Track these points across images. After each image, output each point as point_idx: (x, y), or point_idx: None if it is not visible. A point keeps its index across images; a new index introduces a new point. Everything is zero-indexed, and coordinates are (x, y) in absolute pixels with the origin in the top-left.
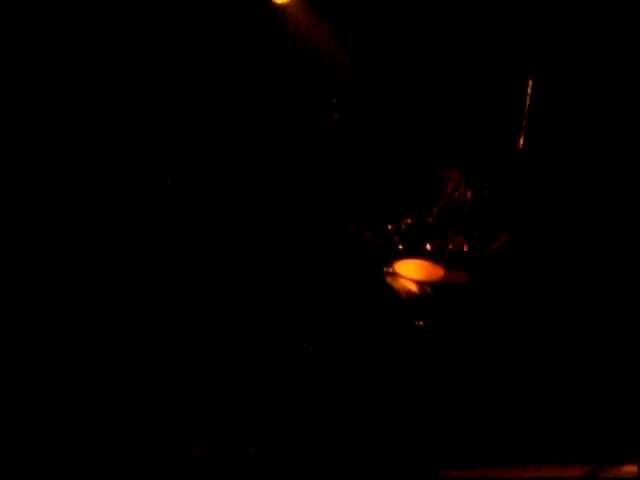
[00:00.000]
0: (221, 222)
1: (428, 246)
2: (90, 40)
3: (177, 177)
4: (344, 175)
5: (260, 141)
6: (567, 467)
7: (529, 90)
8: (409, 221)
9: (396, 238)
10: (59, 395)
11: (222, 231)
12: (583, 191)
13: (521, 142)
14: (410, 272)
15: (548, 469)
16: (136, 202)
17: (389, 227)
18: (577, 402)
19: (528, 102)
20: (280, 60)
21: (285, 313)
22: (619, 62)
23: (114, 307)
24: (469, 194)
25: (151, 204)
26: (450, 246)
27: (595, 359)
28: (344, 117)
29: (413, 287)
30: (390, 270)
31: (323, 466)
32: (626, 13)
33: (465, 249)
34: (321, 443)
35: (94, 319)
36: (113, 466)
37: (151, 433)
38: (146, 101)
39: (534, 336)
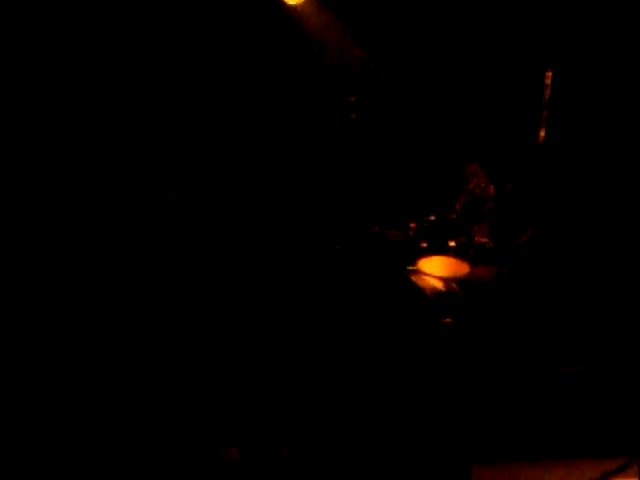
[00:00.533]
0: (243, 222)
1: (452, 243)
2: (95, 46)
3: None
4: (366, 174)
5: (280, 142)
6: (600, 461)
7: (548, 81)
8: (432, 218)
9: (419, 236)
10: (74, 397)
11: (244, 231)
12: (604, 183)
13: (542, 134)
14: (435, 269)
15: (581, 463)
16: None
17: (412, 225)
18: (606, 396)
19: (548, 94)
20: (298, 61)
21: (312, 314)
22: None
23: (122, 312)
24: (492, 189)
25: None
26: (474, 242)
27: (621, 352)
28: (363, 116)
29: (439, 284)
30: (415, 268)
31: (352, 464)
32: None
33: (489, 244)
34: (349, 441)
35: (100, 323)
36: (142, 473)
37: (182, 438)
38: (151, 104)
39: (559, 330)
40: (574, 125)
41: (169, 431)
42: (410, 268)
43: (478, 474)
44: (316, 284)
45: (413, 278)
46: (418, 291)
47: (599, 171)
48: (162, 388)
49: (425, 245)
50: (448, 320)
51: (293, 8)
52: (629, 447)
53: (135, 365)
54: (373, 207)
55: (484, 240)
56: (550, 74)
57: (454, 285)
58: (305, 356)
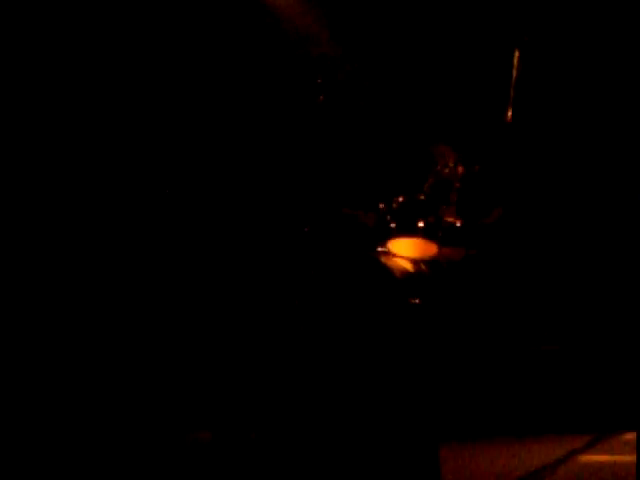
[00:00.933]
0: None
1: (421, 223)
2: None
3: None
4: (334, 156)
5: (248, 126)
6: (568, 438)
7: (516, 61)
8: (401, 199)
9: (389, 217)
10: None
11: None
12: (573, 162)
13: (509, 114)
14: (404, 250)
15: (549, 440)
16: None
17: (381, 206)
18: (573, 374)
19: (515, 74)
20: (266, 44)
21: (280, 296)
22: (606, 34)
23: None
24: (460, 169)
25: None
26: (443, 223)
27: (589, 332)
28: (331, 98)
29: (407, 265)
30: (384, 249)
31: (318, 446)
32: None
33: (458, 225)
34: (316, 423)
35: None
36: (114, 456)
37: (152, 421)
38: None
39: (527, 309)
40: (542, 104)
41: (141, 415)
42: (379, 249)
43: (444, 453)
44: (285, 266)
45: (382, 259)
46: (387, 272)
47: (568, 150)
48: (133, 373)
49: (394, 226)
50: (416, 301)
51: None
52: (596, 424)
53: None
54: (342, 188)
55: (452, 221)
56: (517, 54)
57: (423, 266)
58: (275, 338)
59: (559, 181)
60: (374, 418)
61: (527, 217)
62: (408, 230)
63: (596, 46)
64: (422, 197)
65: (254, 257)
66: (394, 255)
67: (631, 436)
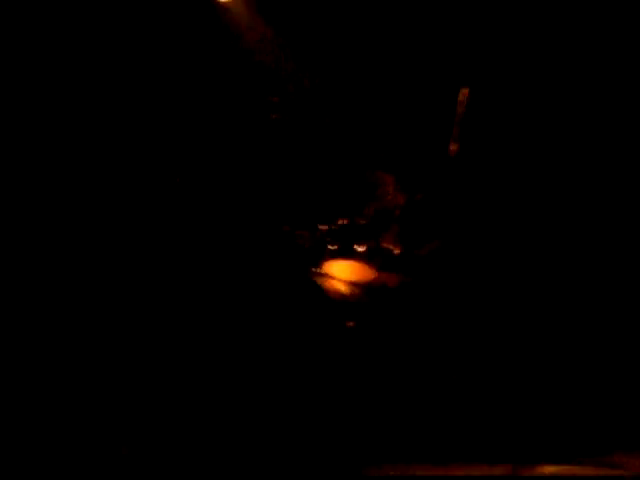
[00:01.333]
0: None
1: (360, 248)
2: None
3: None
4: (279, 174)
5: (197, 139)
6: (492, 466)
7: (462, 98)
8: (341, 222)
9: (328, 239)
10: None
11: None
12: (515, 196)
13: (453, 148)
14: (341, 273)
15: (473, 468)
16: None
17: (321, 227)
18: (501, 401)
19: (461, 110)
20: (220, 59)
21: (213, 312)
22: (549, 69)
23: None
24: (401, 198)
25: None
26: (381, 249)
27: (524, 360)
28: (284, 117)
29: (344, 288)
30: (321, 270)
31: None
32: (558, 23)
33: (396, 252)
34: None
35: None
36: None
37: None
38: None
39: (461, 337)
40: (487, 140)
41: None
42: (317, 270)
43: (368, 474)
44: (221, 282)
45: (319, 281)
46: (323, 294)
47: (511, 185)
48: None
49: (333, 248)
50: (351, 324)
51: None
52: (514, 454)
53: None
54: (284, 207)
55: (391, 247)
56: (466, 91)
57: (359, 290)
58: (205, 356)
59: (500, 215)
60: (302, 439)
61: (465, 249)
62: (347, 253)
63: (541, 83)
64: (362, 222)
65: (191, 268)
66: (332, 277)
67: (551, 469)
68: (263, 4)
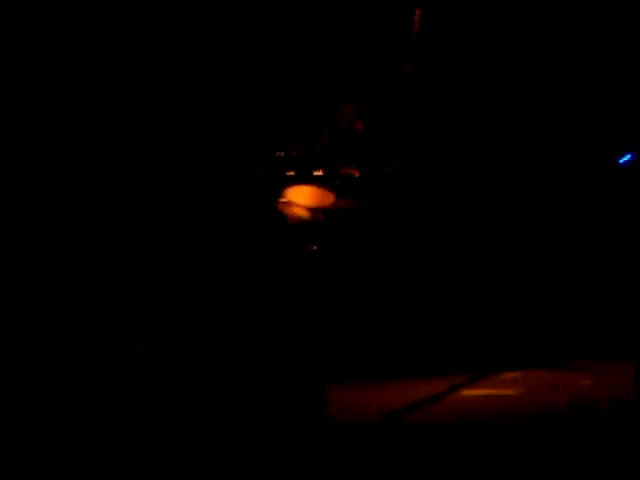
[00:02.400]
0: None
1: (318, 172)
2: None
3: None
4: (234, 104)
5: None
6: (449, 377)
7: (416, 17)
8: (298, 147)
9: (287, 166)
10: None
11: None
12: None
13: (407, 67)
14: (301, 199)
15: (431, 380)
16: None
17: (279, 154)
18: (458, 315)
19: (415, 29)
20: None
21: (182, 241)
22: None
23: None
24: (358, 121)
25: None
26: (340, 173)
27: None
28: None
29: (304, 213)
30: (281, 198)
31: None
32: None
33: (355, 176)
34: (206, 369)
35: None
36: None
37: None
38: None
39: (416, 257)
40: (440, 59)
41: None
42: (277, 198)
43: (330, 392)
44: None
45: (280, 207)
46: (284, 220)
47: (465, 105)
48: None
49: (292, 174)
50: (313, 248)
51: None
52: (476, 365)
53: None
54: (241, 135)
55: (350, 171)
56: (418, 11)
57: (319, 215)
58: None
59: (456, 137)
60: (264, 358)
61: (423, 170)
62: (305, 179)
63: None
64: (319, 147)
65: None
66: (292, 203)
67: (511, 375)
68: None
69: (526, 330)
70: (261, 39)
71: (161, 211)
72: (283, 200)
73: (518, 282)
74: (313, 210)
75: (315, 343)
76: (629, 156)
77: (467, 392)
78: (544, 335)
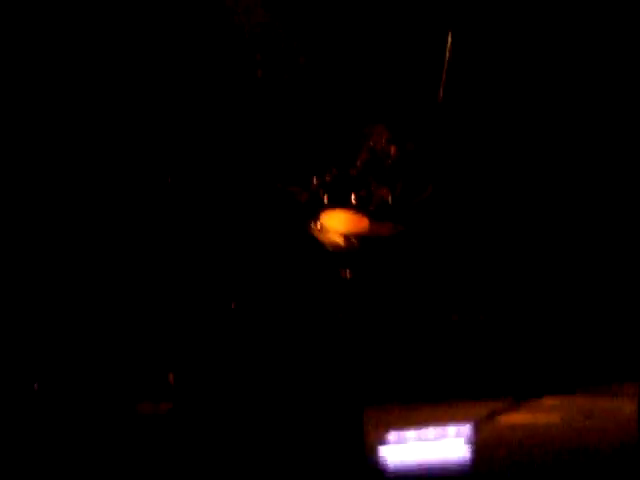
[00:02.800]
0: None
1: (353, 198)
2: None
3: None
4: (269, 128)
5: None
6: (489, 402)
7: (448, 43)
8: (333, 173)
9: (321, 190)
10: None
11: None
12: (504, 142)
13: (441, 94)
14: (335, 224)
15: (471, 404)
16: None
17: (314, 180)
18: (497, 341)
19: (448, 55)
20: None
21: (214, 272)
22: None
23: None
24: (392, 146)
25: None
26: (374, 198)
27: (511, 302)
28: (268, 72)
29: (339, 239)
30: (316, 223)
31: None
32: None
33: (389, 201)
34: (247, 385)
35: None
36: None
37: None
38: None
39: (454, 282)
40: (474, 85)
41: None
42: (311, 223)
43: (370, 416)
44: (220, 243)
45: (314, 233)
46: (319, 246)
47: (498, 130)
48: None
49: (326, 199)
50: (346, 273)
51: None
52: (516, 390)
53: None
54: (275, 162)
55: (384, 196)
56: (450, 36)
57: (354, 240)
58: (206, 316)
59: (489, 161)
60: (303, 383)
61: (458, 196)
62: (340, 204)
63: (528, 32)
64: (354, 172)
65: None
66: (326, 229)
67: (551, 400)
68: None
69: (566, 354)
70: (295, 64)
71: (195, 229)
72: (317, 226)
73: (557, 308)
74: (347, 236)
75: (351, 367)
76: None
77: (506, 418)
78: (584, 359)
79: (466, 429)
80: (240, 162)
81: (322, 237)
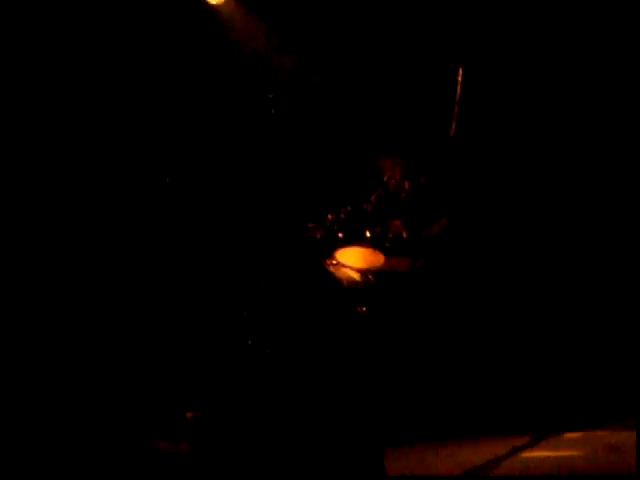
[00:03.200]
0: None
1: (368, 233)
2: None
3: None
4: (283, 168)
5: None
6: (509, 438)
7: (459, 77)
8: (348, 209)
9: (336, 227)
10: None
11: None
12: (516, 174)
13: (453, 128)
14: (351, 260)
15: (491, 440)
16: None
17: (329, 217)
18: (516, 375)
19: (459, 89)
20: (217, 58)
21: (232, 308)
22: (545, 54)
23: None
24: (406, 182)
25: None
26: (389, 233)
27: (530, 337)
28: (282, 111)
29: (355, 275)
30: (332, 260)
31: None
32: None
33: (404, 236)
34: (265, 430)
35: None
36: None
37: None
38: None
39: (472, 318)
40: (485, 119)
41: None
42: (328, 259)
43: (389, 454)
44: (236, 278)
45: (330, 269)
46: (335, 282)
47: (510, 163)
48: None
49: (341, 236)
50: (363, 310)
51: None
52: (537, 425)
53: None
54: (290, 200)
55: (399, 231)
56: (461, 70)
57: (370, 276)
58: (224, 350)
59: (502, 192)
60: (322, 421)
61: (472, 228)
62: (355, 240)
63: (536, 65)
64: (369, 208)
65: (205, 268)
66: (342, 265)
67: (573, 435)
68: (254, 3)
69: (588, 389)
70: (309, 100)
71: (214, 264)
72: (333, 262)
73: (580, 342)
74: (363, 271)
75: (367, 405)
76: None
77: (528, 454)
78: (606, 393)
79: None
80: (258, 200)
81: (338, 273)
